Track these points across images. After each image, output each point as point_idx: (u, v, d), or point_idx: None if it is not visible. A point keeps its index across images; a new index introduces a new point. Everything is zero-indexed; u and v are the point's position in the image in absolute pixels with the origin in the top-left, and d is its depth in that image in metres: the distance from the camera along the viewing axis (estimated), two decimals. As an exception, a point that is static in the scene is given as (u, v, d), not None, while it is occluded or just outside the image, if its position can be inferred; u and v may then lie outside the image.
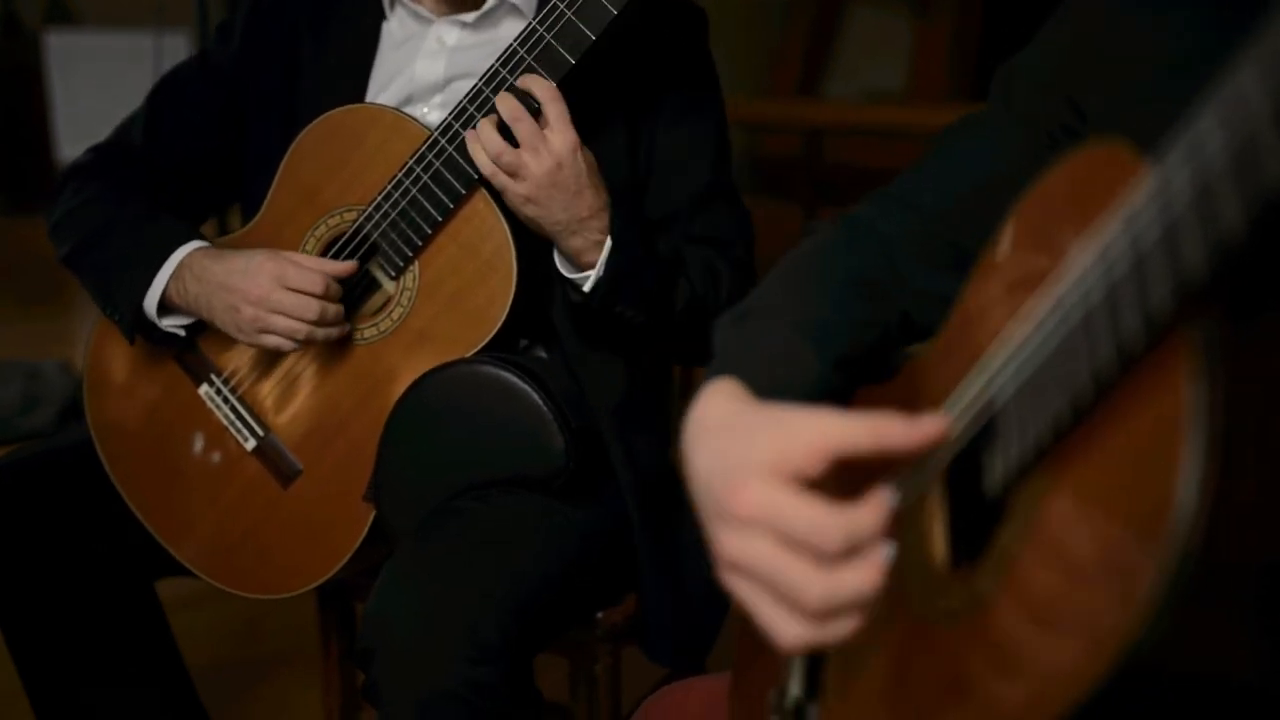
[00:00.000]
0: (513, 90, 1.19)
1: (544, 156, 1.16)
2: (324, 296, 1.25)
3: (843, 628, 0.57)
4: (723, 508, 0.60)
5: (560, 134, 1.17)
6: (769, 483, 0.59)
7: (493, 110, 1.20)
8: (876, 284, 0.80)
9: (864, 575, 0.56)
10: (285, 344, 1.27)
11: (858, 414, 0.60)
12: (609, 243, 1.20)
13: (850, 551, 0.56)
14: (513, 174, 1.18)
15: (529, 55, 1.20)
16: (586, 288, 1.21)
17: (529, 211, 1.19)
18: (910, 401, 0.71)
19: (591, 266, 1.22)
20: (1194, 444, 0.44)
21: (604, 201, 1.20)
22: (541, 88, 1.18)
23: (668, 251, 1.28)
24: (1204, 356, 0.45)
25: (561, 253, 1.23)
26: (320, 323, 1.26)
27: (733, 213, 1.34)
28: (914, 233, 0.82)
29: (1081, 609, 0.48)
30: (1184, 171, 0.43)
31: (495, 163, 1.18)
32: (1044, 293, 0.54)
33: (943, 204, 0.81)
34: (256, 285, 1.25)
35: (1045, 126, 0.77)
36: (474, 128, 1.22)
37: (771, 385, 0.70)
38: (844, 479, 0.60)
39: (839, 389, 0.76)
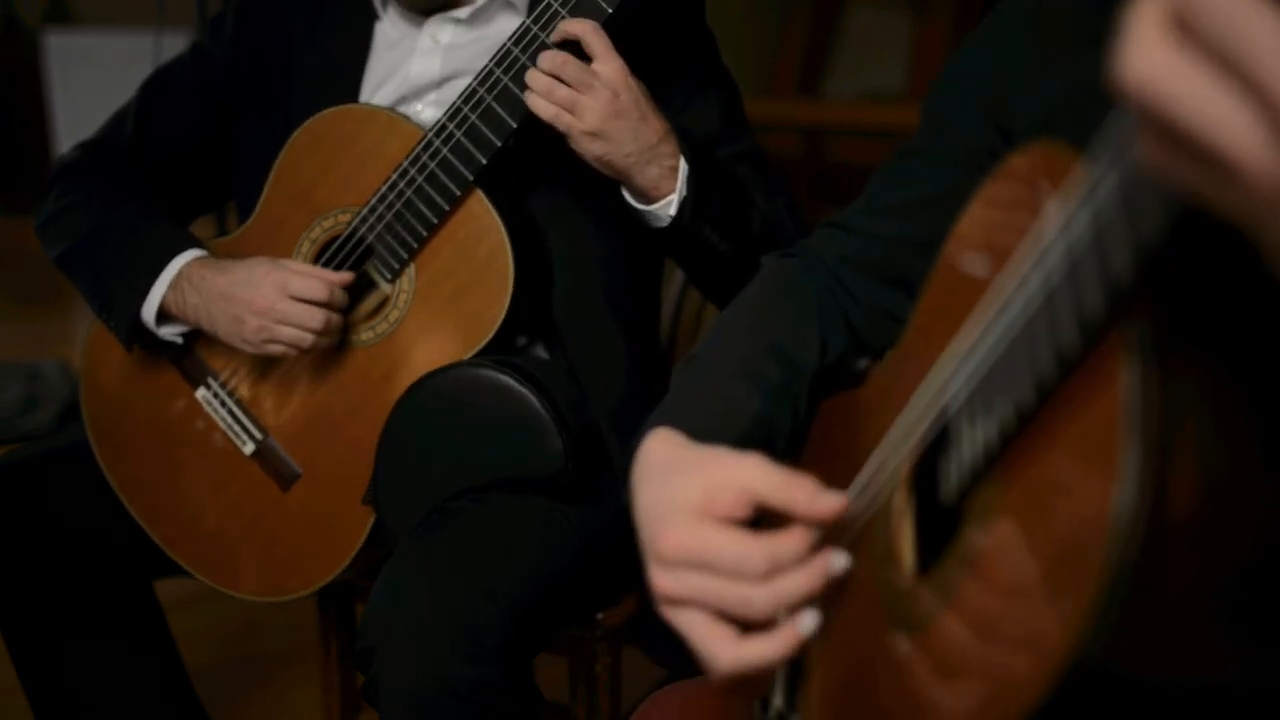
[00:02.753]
0: (545, 51, 1.17)
1: (599, 89, 1.15)
2: (328, 304, 1.25)
3: (778, 646, 0.61)
4: (654, 548, 0.64)
5: (608, 63, 1.15)
6: (691, 522, 0.63)
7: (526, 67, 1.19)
8: (821, 316, 0.83)
9: (800, 581, 0.61)
10: (290, 352, 1.27)
11: (778, 469, 0.64)
12: (684, 164, 1.19)
13: (773, 573, 0.61)
14: (571, 111, 1.16)
15: (523, 55, 1.19)
16: (672, 210, 1.19)
17: (599, 149, 1.16)
18: (875, 409, 0.72)
19: (664, 198, 1.20)
20: (1131, 444, 0.44)
21: (667, 126, 1.18)
22: (578, 26, 1.16)
23: (733, 177, 1.28)
24: (1139, 358, 0.45)
25: (634, 189, 1.20)
26: (325, 331, 1.26)
27: (768, 172, 1.33)
28: (862, 255, 0.85)
29: (1027, 614, 0.48)
30: (1110, 174, 0.43)
31: (549, 97, 1.16)
32: (992, 297, 0.54)
33: (886, 229, 0.84)
34: (261, 296, 1.25)
35: (975, 153, 0.79)
36: (477, 122, 1.21)
37: (710, 427, 0.74)
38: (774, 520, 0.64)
39: (792, 412, 0.79)
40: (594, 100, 1.14)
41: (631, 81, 1.16)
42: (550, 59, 1.16)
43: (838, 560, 0.62)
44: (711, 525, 0.63)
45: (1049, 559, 0.48)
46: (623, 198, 1.22)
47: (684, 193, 1.19)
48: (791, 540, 0.62)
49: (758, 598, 0.61)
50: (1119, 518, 0.43)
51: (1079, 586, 0.45)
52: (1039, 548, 0.49)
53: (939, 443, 0.59)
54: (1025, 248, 0.51)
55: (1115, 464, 0.44)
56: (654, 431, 0.74)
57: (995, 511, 0.53)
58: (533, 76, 1.17)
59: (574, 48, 1.17)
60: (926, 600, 0.58)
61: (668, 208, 1.20)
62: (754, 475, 0.64)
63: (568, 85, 1.15)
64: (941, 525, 0.59)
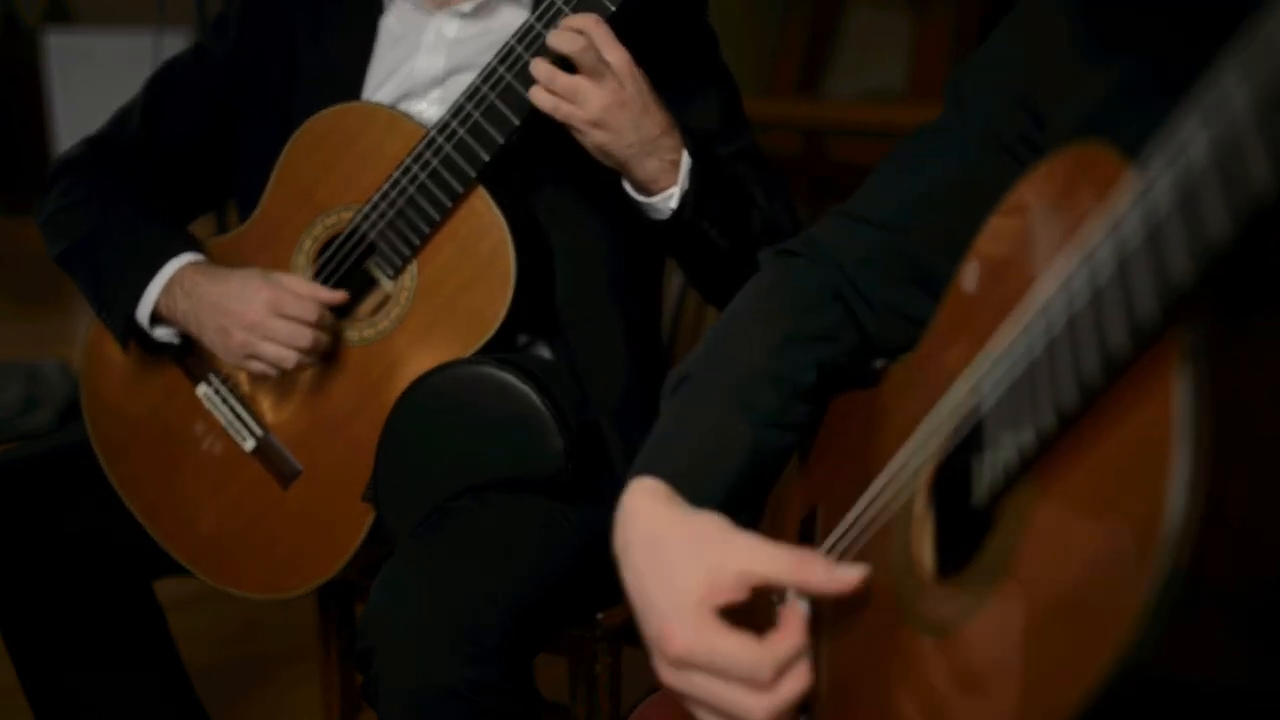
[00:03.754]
0: (544, 53, 1.17)
1: (607, 77, 1.14)
2: (317, 325, 1.25)
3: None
4: (658, 647, 0.65)
5: (613, 52, 1.14)
6: (697, 623, 0.63)
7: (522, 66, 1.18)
8: (824, 322, 0.81)
9: (798, 683, 0.62)
10: (270, 371, 1.27)
11: (780, 549, 0.64)
12: (687, 158, 1.18)
13: (780, 675, 0.62)
14: (574, 99, 1.15)
15: (526, 52, 1.19)
16: (673, 203, 1.19)
17: (600, 138, 1.16)
18: (893, 409, 0.71)
19: (663, 192, 1.19)
20: (1183, 451, 0.43)
21: (670, 119, 1.18)
22: (580, 20, 1.15)
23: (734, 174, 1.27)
24: (1192, 362, 0.44)
25: (635, 181, 1.20)
26: (311, 352, 1.26)
27: (768, 172, 1.32)
28: (874, 251, 0.81)
29: (1071, 624, 0.47)
30: (1167, 176, 0.43)
31: (550, 85, 1.15)
32: (1031, 296, 0.53)
33: (902, 218, 0.81)
34: (251, 310, 1.25)
35: (1003, 136, 0.76)
36: (480, 119, 1.21)
37: (698, 465, 0.74)
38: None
39: (784, 428, 0.78)
40: (600, 88, 1.14)
41: (636, 72, 1.15)
42: (570, 40, 1.15)
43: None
44: (717, 629, 0.63)
45: (1092, 565, 0.47)
46: (624, 192, 1.22)
47: (686, 186, 1.18)
48: (791, 638, 0.62)
49: (759, 709, 0.61)
50: (1170, 529, 0.42)
51: (1124, 596, 0.44)
52: (1083, 554, 0.48)
53: (969, 445, 0.58)
54: (1067, 250, 0.50)
55: (1167, 472, 0.43)
56: (639, 481, 0.74)
57: (1032, 516, 0.52)
58: (536, 65, 1.17)
59: None
60: (952, 604, 0.57)
61: (668, 201, 1.19)
62: (755, 558, 0.64)
63: (578, 72, 1.15)
64: (965, 529, 0.58)
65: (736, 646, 0.62)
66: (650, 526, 0.70)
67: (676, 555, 0.66)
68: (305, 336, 1.25)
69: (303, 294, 1.26)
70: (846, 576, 0.62)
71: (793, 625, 0.62)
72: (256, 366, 1.27)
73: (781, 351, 0.79)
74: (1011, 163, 0.72)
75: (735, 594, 0.63)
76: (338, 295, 1.28)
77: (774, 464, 0.79)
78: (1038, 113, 0.73)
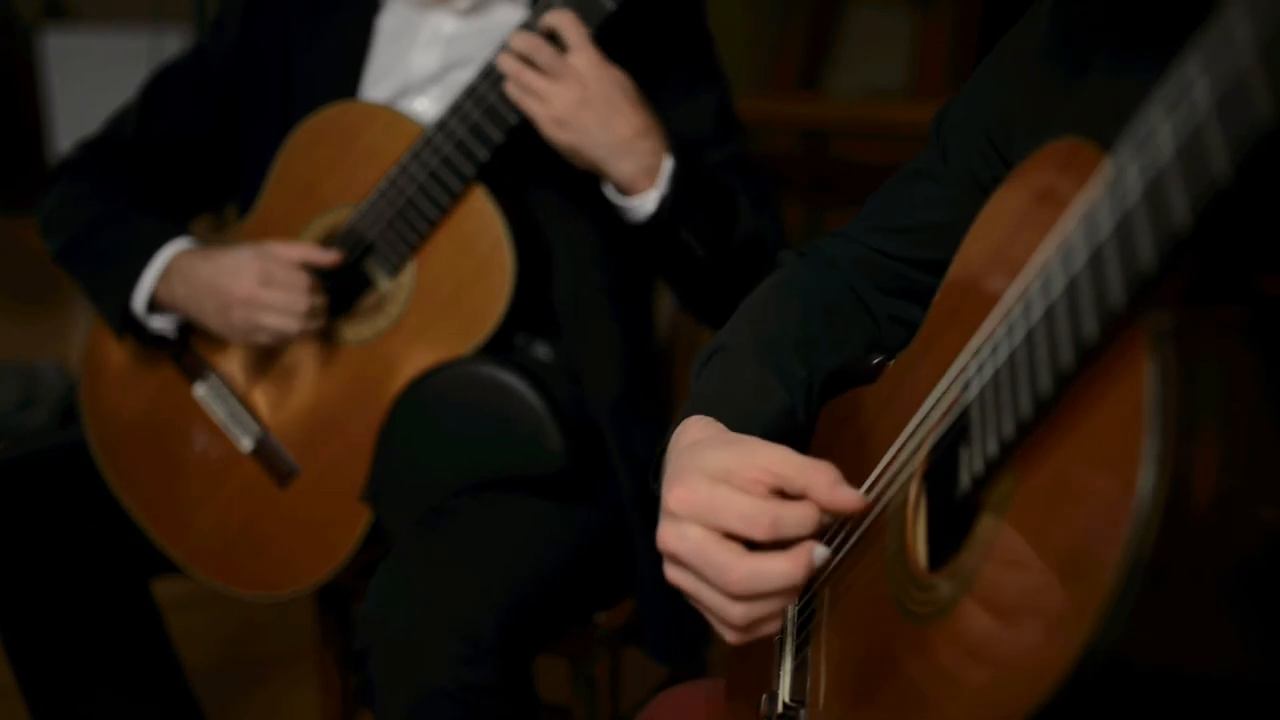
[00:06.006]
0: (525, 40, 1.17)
1: (568, 78, 1.14)
2: (312, 290, 1.25)
3: (766, 610, 0.64)
4: (664, 503, 0.66)
5: (580, 53, 1.14)
6: (706, 482, 0.64)
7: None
8: (840, 311, 0.85)
9: (787, 564, 0.62)
10: (277, 343, 1.26)
11: (803, 458, 0.65)
12: (669, 161, 1.17)
13: (776, 540, 0.62)
14: (537, 96, 1.15)
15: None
16: (650, 207, 1.17)
17: (565, 138, 1.15)
18: (890, 402, 0.73)
19: (641, 194, 1.18)
20: (1152, 431, 0.43)
21: (649, 120, 1.16)
22: (555, 18, 1.15)
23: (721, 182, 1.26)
24: (1161, 347, 0.45)
25: (614, 183, 1.18)
26: (311, 315, 1.25)
27: (758, 180, 1.32)
28: (869, 265, 0.86)
29: (1045, 607, 0.48)
30: (1134, 165, 0.44)
31: (517, 80, 1.15)
32: (1015, 287, 0.54)
33: (891, 248, 0.86)
34: (243, 285, 1.24)
35: (980, 179, 0.79)
36: (479, 119, 1.20)
37: (741, 418, 0.75)
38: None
39: (807, 409, 0.80)
40: (562, 89, 1.14)
41: (605, 74, 1.14)
42: (523, 40, 1.15)
43: (820, 551, 0.63)
44: (724, 486, 0.64)
45: (1068, 548, 0.48)
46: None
47: (665, 190, 1.17)
48: (799, 510, 0.62)
49: (737, 570, 0.62)
50: (1139, 508, 0.43)
51: (1097, 576, 0.44)
52: (1057, 537, 0.49)
53: (957, 436, 0.59)
54: (1047, 241, 0.51)
55: (1137, 454, 0.44)
56: (691, 418, 0.76)
57: (1012, 502, 0.53)
58: (503, 59, 1.16)
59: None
60: (941, 591, 0.58)
61: (645, 204, 1.18)
62: (779, 456, 0.64)
63: (539, 70, 1.14)
64: (957, 518, 0.59)
65: (740, 499, 0.63)
66: (698, 436, 0.72)
67: (710, 447, 0.68)
68: (301, 302, 1.24)
69: (293, 258, 1.25)
70: (844, 494, 0.63)
71: (807, 505, 0.63)
72: (263, 339, 1.27)
73: (805, 330, 0.82)
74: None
75: (752, 485, 0.64)
76: (329, 256, 1.27)
77: (799, 439, 0.80)
78: (1008, 160, 0.76)
